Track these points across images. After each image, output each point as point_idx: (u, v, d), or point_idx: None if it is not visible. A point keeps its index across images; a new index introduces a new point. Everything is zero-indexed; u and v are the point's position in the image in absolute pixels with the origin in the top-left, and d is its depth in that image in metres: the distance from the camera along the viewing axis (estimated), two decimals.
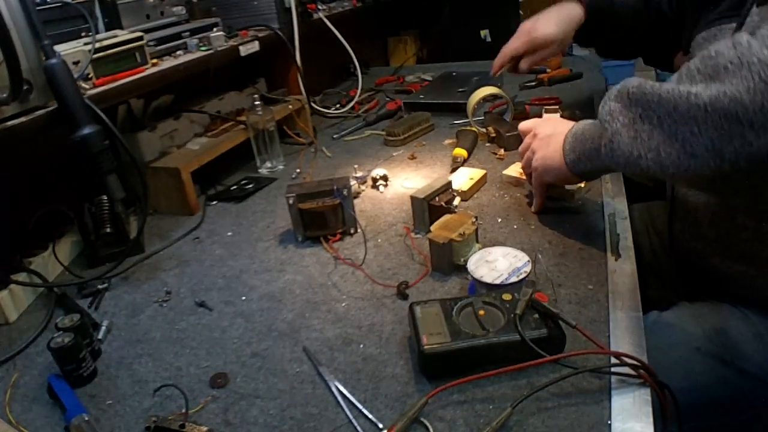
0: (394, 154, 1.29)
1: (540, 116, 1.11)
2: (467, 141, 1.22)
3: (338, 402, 0.62)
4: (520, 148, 0.96)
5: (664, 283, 0.99)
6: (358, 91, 1.65)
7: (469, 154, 1.20)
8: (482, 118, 1.39)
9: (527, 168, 0.93)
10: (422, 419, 0.57)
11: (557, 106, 1.15)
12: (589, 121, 0.78)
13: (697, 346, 0.82)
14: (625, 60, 1.39)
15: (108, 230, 0.94)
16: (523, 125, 0.97)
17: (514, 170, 1.06)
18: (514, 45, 1.15)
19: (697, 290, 0.91)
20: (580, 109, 1.41)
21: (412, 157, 1.25)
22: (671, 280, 1.00)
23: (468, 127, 1.30)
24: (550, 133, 0.88)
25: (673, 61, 1.12)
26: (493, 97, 1.35)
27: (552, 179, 0.87)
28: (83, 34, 0.97)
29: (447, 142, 1.31)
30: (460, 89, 1.58)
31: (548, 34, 1.12)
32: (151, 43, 1.06)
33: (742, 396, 0.81)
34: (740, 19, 0.77)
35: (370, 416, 0.59)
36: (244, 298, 0.83)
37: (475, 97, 1.31)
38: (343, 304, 0.78)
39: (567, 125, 0.85)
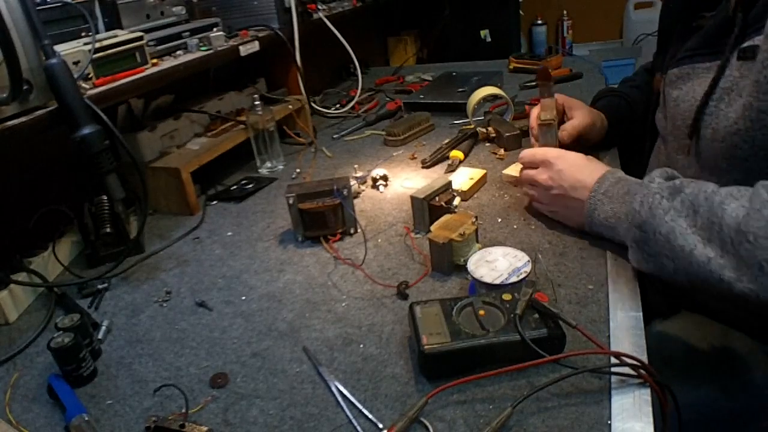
0: (394, 154, 1.29)
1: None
2: (465, 142, 1.22)
3: (338, 402, 0.62)
4: (525, 176, 0.93)
5: (658, 288, 0.98)
6: (358, 91, 1.65)
7: (466, 155, 1.20)
8: (482, 118, 1.39)
9: (529, 193, 0.93)
10: (422, 419, 0.57)
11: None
12: (613, 202, 0.78)
13: (703, 360, 0.81)
14: None
15: (108, 230, 0.94)
16: (534, 157, 0.91)
17: (514, 170, 1.06)
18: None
19: (694, 300, 0.91)
20: None
21: (413, 157, 1.25)
22: (669, 288, 0.99)
23: (467, 126, 1.30)
24: (569, 186, 0.84)
25: None
26: (494, 97, 1.35)
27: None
28: (83, 34, 0.97)
29: (447, 142, 1.31)
30: (460, 89, 1.58)
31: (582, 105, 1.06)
32: (151, 43, 1.06)
33: (747, 409, 0.79)
34: (720, 63, 0.74)
35: (370, 416, 0.59)
36: (244, 298, 0.83)
37: (475, 96, 1.31)
38: (343, 304, 0.78)
39: (589, 181, 0.82)
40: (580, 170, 0.84)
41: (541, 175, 0.88)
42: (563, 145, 0.97)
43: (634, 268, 0.77)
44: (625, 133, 1.13)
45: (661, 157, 0.93)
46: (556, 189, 0.86)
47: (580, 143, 1.03)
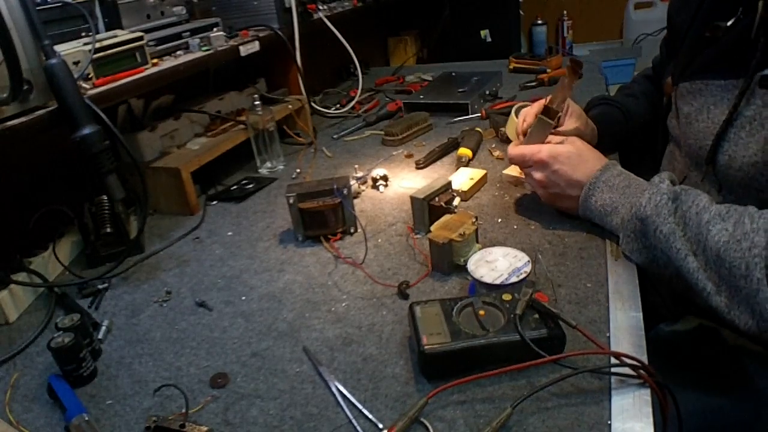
0: (393, 153, 1.29)
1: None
2: (472, 141, 1.22)
3: (338, 402, 0.62)
4: (530, 176, 0.91)
5: (659, 289, 0.98)
6: (358, 91, 1.65)
7: (474, 154, 1.20)
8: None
9: (533, 185, 0.92)
10: (422, 419, 0.57)
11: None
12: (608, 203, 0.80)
13: (710, 365, 0.81)
14: None
15: (108, 230, 0.94)
16: (525, 158, 0.88)
17: (514, 170, 1.06)
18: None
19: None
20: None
21: (408, 155, 1.25)
22: (670, 290, 0.99)
23: (476, 128, 1.31)
24: (566, 184, 0.85)
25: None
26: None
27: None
28: (83, 34, 0.97)
29: (440, 145, 1.30)
30: (460, 89, 1.58)
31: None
32: (152, 43, 1.06)
33: (756, 417, 0.78)
34: (740, 87, 0.72)
35: (370, 416, 0.59)
36: (244, 298, 0.83)
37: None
38: (343, 304, 0.78)
39: (585, 179, 0.83)
40: (575, 169, 0.83)
41: (536, 174, 0.87)
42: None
43: (634, 268, 0.77)
44: (620, 143, 1.10)
45: (675, 164, 0.93)
46: (553, 188, 0.87)
47: None
